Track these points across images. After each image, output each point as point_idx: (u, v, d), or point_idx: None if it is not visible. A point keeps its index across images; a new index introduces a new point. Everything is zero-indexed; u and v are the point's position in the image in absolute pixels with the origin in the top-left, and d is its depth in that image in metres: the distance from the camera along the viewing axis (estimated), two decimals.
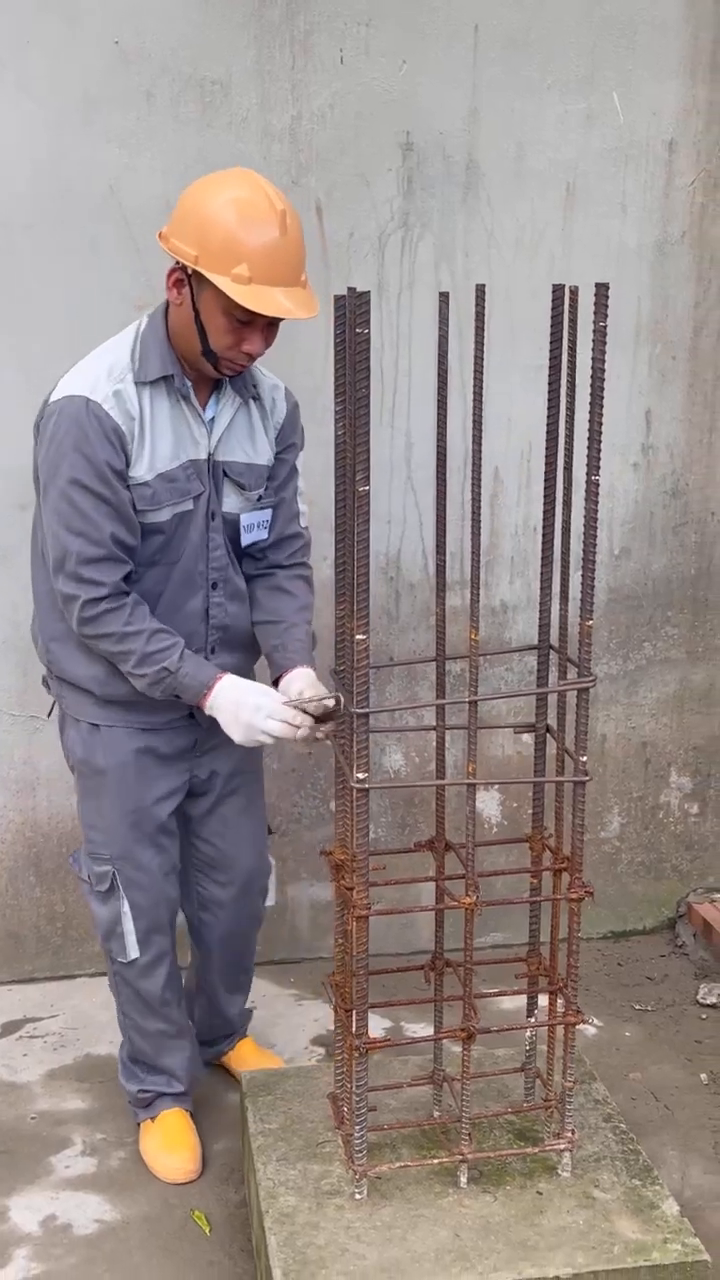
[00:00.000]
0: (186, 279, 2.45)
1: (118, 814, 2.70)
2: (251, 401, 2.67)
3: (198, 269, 2.39)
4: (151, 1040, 2.86)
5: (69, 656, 2.66)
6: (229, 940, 2.98)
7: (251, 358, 2.49)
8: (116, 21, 3.05)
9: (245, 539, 2.69)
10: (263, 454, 2.68)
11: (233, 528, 2.68)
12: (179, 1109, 2.91)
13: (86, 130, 3.09)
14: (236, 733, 2.53)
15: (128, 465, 2.50)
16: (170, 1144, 2.86)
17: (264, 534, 2.73)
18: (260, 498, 2.70)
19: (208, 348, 2.47)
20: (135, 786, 2.70)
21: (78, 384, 2.50)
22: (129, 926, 2.74)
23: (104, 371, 2.50)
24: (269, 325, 2.47)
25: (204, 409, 2.60)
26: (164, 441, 2.54)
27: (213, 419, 2.61)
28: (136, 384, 2.51)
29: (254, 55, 3.12)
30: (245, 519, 2.68)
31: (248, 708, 2.51)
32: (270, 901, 3.04)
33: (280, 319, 2.45)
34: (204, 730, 2.70)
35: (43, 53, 3.04)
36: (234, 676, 2.57)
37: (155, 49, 3.08)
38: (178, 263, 2.45)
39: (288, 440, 2.74)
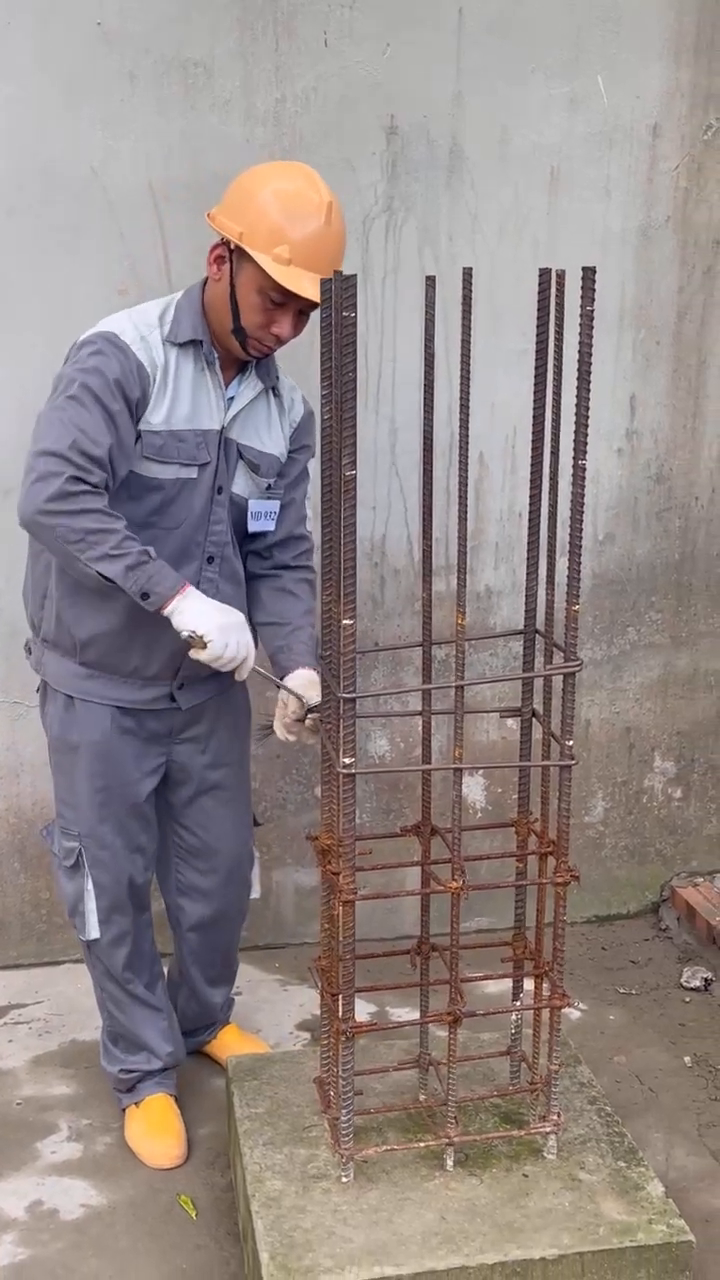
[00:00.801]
0: (229, 255, 2.53)
1: (88, 792, 2.72)
2: (271, 394, 2.71)
3: (241, 245, 2.48)
4: (126, 1011, 2.88)
5: (65, 612, 2.61)
6: (208, 928, 2.98)
7: (279, 340, 2.56)
8: (98, 2, 3.03)
9: (252, 525, 2.71)
10: (275, 445, 2.72)
11: (239, 510, 2.70)
12: (163, 1094, 2.92)
13: (68, 113, 3.07)
14: (211, 621, 2.44)
15: (145, 406, 2.52)
16: (155, 1129, 2.86)
17: (270, 525, 2.74)
18: (270, 486, 2.73)
19: (238, 324, 2.54)
20: (107, 766, 2.71)
21: (110, 323, 2.55)
22: (91, 905, 2.77)
23: (135, 323, 2.56)
24: (299, 313, 2.53)
25: (226, 387, 2.65)
26: (183, 401, 2.58)
27: (232, 397, 2.65)
28: (165, 341, 2.56)
29: (237, 37, 3.11)
30: (254, 505, 2.70)
31: (234, 618, 2.47)
32: (255, 894, 3.05)
33: (309, 311, 2.53)
34: (184, 716, 2.72)
35: (24, 34, 3.02)
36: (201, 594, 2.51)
37: (137, 30, 3.06)
38: (221, 239, 2.53)
39: (301, 441, 2.78)
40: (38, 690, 2.85)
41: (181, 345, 2.57)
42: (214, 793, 2.86)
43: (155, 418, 2.54)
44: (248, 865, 2.99)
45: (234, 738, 2.88)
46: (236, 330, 2.55)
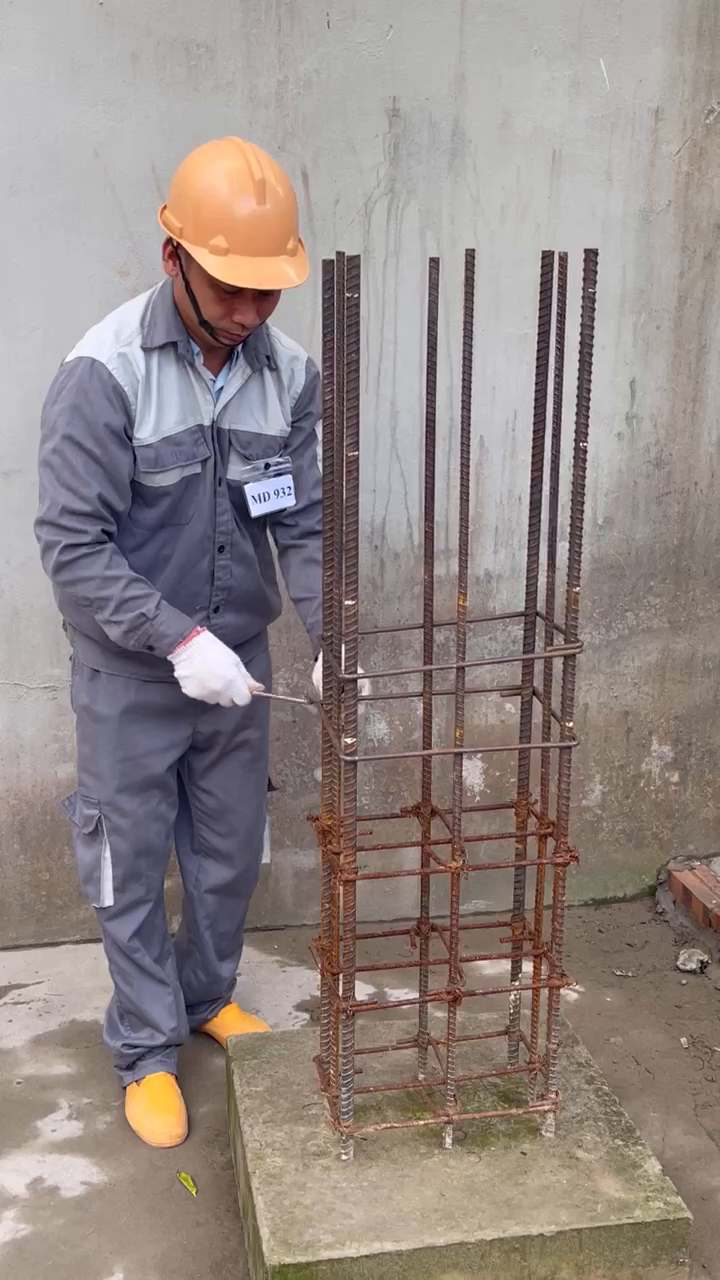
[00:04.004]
0: (177, 251, 2.50)
1: (109, 761, 2.77)
2: (267, 372, 2.69)
3: (181, 241, 2.45)
4: (133, 985, 2.90)
5: (77, 608, 2.69)
6: (226, 890, 3.02)
7: (244, 327, 2.52)
8: None
9: (255, 509, 2.71)
10: (274, 424, 2.71)
11: (238, 494, 2.70)
12: (164, 1072, 2.94)
13: (71, 94, 3.07)
14: (192, 688, 2.59)
15: (132, 425, 2.55)
16: (156, 1108, 2.88)
17: (289, 499, 2.74)
18: (269, 465, 2.72)
19: (201, 318, 2.52)
20: (129, 737, 2.75)
21: (87, 346, 2.57)
22: (107, 872, 2.81)
23: (112, 335, 2.57)
24: (260, 295, 2.49)
25: (216, 377, 2.64)
26: (170, 406, 2.59)
27: (221, 387, 2.64)
28: (144, 349, 2.56)
29: (240, 18, 3.10)
30: (251, 489, 2.70)
31: (216, 679, 2.58)
32: (266, 858, 3.08)
33: (273, 292, 2.49)
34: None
35: (27, 14, 3.01)
36: (210, 636, 2.60)
37: (140, 11, 3.05)
38: (168, 236, 2.50)
39: (305, 409, 2.76)
40: (70, 658, 2.90)
41: (161, 349, 2.57)
42: (237, 754, 2.91)
43: (143, 433, 2.57)
44: (263, 827, 3.04)
45: (260, 700, 2.89)
46: (202, 323, 2.53)
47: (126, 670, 2.72)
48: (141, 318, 2.59)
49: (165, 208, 2.53)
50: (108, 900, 2.83)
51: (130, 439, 2.56)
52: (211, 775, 2.92)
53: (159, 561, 2.66)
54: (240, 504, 2.72)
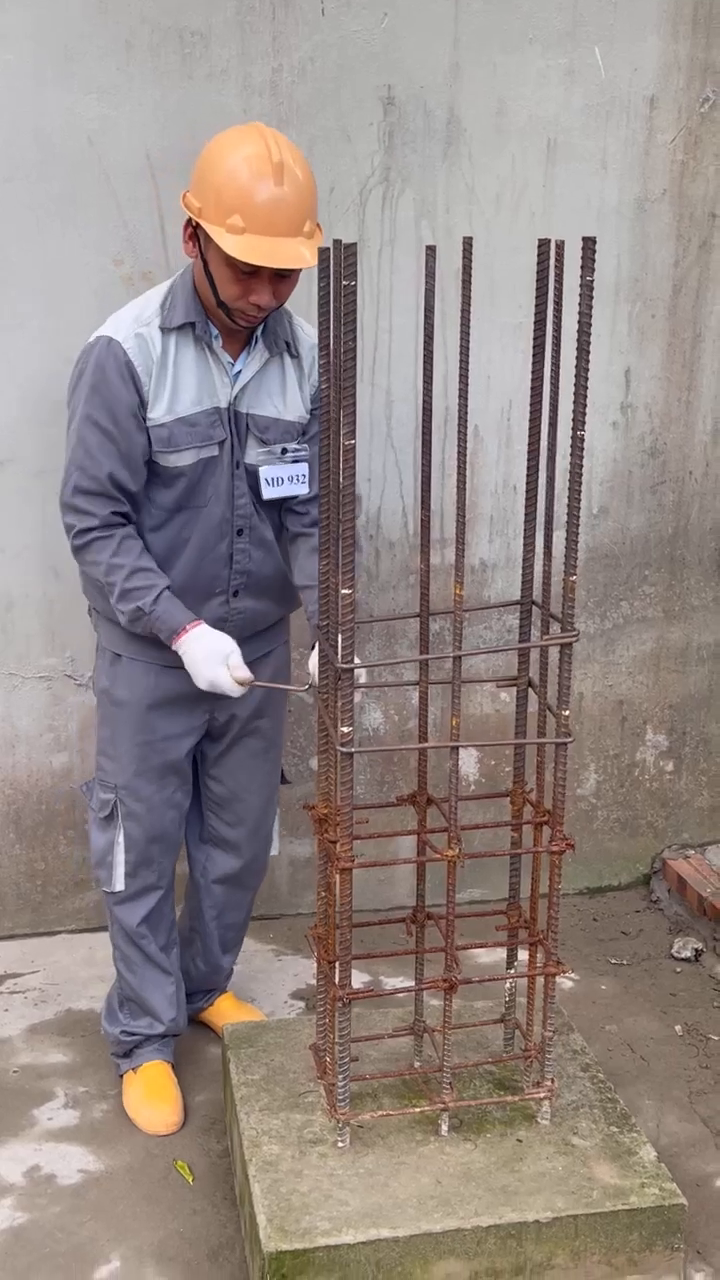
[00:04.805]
0: (196, 232, 2.53)
1: (127, 745, 2.79)
2: (287, 358, 2.70)
3: (199, 220, 2.48)
4: (137, 973, 2.91)
5: (98, 591, 2.74)
6: (232, 883, 3.03)
7: (260, 309, 2.54)
8: None
9: (267, 492, 2.71)
10: (293, 410, 2.71)
11: (255, 478, 2.71)
12: (160, 1060, 2.94)
13: (65, 82, 3.06)
14: (199, 680, 2.61)
15: (145, 406, 2.58)
16: (152, 1096, 2.89)
17: (302, 487, 2.74)
18: (286, 450, 2.72)
19: (219, 299, 2.54)
20: (147, 721, 2.78)
21: (107, 326, 2.61)
22: (119, 857, 2.82)
23: (133, 317, 2.61)
24: (277, 277, 2.51)
25: (235, 360, 2.65)
26: (187, 387, 2.61)
27: (239, 370, 2.65)
28: (162, 329, 2.58)
29: (234, 6, 3.09)
30: (265, 471, 2.70)
31: (201, 679, 2.60)
32: (274, 850, 3.09)
33: (291, 274, 2.51)
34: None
35: (20, 2, 2.99)
36: (205, 628, 2.61)
37: None
38: (188, 217, 2.54)
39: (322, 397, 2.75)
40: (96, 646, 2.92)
41: (179, 329, 2.59)
42: (248, 742, 2.91)
43: (155, 412, 2.59)
44: (271, 819, 3.04)
45: (272, 690, 2.91)
46: (220, 304, 2.55)
47: (147, 655, 2.74)
48: (163, 300, 2.61)
49: (187, 192, 2.56)
50: (119, 885, 2.84)
51: (145, 418, 2.58)
52: (222, 763, 2.93)
53: (178, 544, 2.68)
54: (258, 488, 2.72)
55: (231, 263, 2.47)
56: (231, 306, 2.54)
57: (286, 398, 2.70)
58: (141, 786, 2.81)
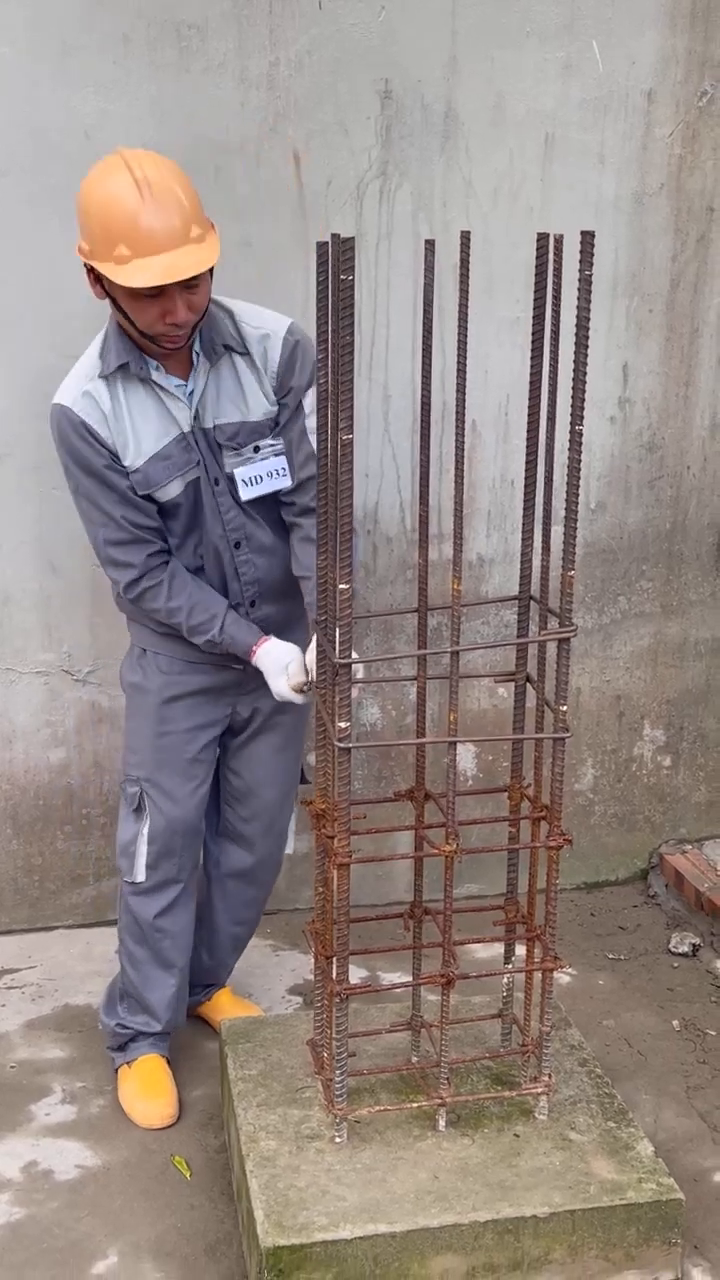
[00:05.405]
0: (99, 275, 2.51)
1: (151, 737, 2.83)
2: (237, 358, 2.68)
3: (91, 264, 2.49)
4: (140, 970, 2.91)
5: (125, 601, 2.79)
6: (245, 879, 3.05)
7: (179, 326, 2.51)
8: None
9: (244, 493, 2.71)
10: (256, 409, 2.69)
11: (236, 486, 2.71)
12: (155, 1054, 2.95)
13: (62, 76, 3.05)
14: (275, 695, 2.71)
15: (116, 456, 2.62)
16: (147, 1090, 2.89)
17: (284, 481, 2.74)
18: (258, 449, 2.71)
19: (139, 330, 2.53)
20: (172, 714, 2.81)
21: (60, 393, 2.65)
22: (142, 848, 2.84)
23: (77, 375, 2.65)
24: (185, 289, 2.48)
25: (186, 380, 2.65)
26: (147, 426, 2.63)
27: (190, 391, 2.64)
28: (104, 378, 2.60)
29: None
30: (240, 473, 2.70)
31: (274, 679, 2.68)
32: (289, 849, 3.10)
33: (198, 279, 2.48)
34: (255, 669, 2.76)
35: None
36: (271, 642, 2.69)
37: None
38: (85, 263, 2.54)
39: (287, 385, 2.72)
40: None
41: (121, 372, 2.60)
42: (266, 737, 2.93)
43: (128, 460, 2.62)
44: (288, 816, 3.05)
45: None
46: (143, 334, 2.54)
47: (172, 650, 2.78)
48: (100, 350, 2.63)
49: (80, 241, 2.54)
50: (140, 875, 2.86)
51: (124, 467, 2.62)
52: (241, 755, 2.95)
53: (195, 566, 2.73)
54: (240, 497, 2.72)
55: (135, 292, 2.45)
56: (153, 333, 2.52)
57: (248, 398, 2.68)
58: (165, 779, 2.83)
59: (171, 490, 2.65)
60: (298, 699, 2.67)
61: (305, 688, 2.64)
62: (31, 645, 3.40)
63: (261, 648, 2.69)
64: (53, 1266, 2.48)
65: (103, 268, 2.45)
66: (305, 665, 2.64)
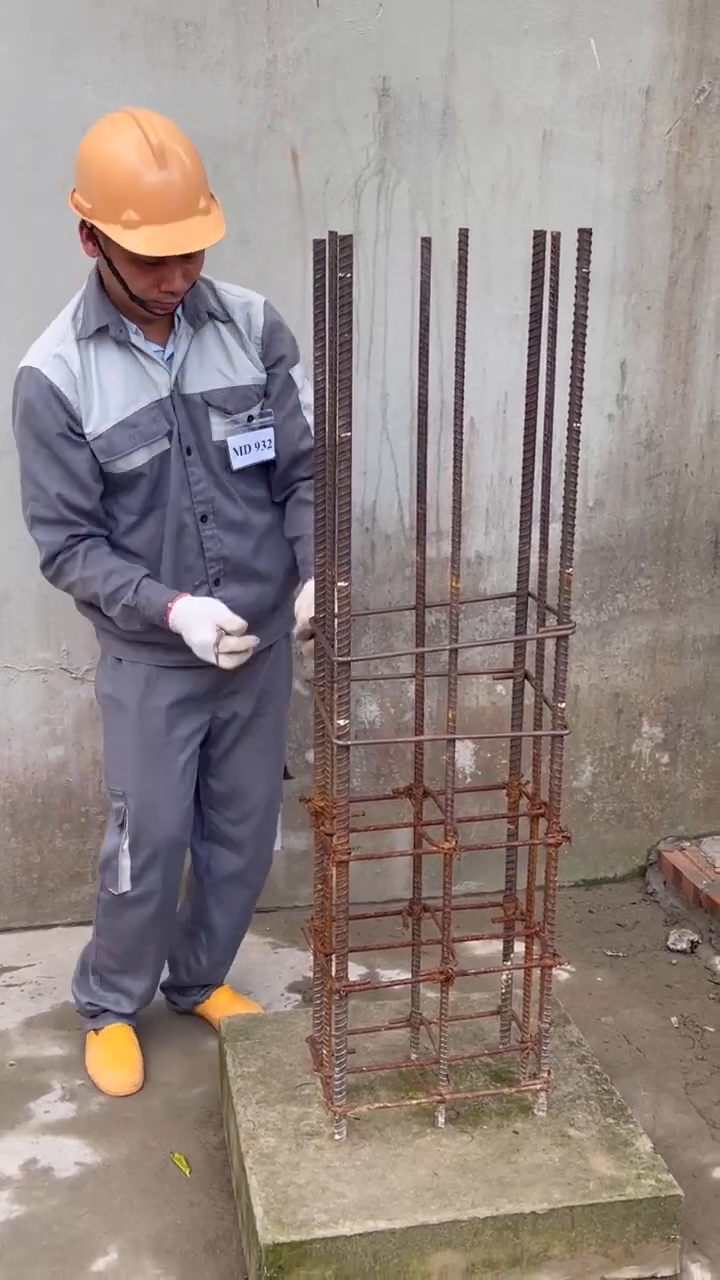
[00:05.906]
0: (93, 231, 2.49)
1: (131, 749, 2.79)
2: (220, 325, 2.67)
3: (92, 222, 2.44)
4: (120, 962, 2.94)
5: (88, 607, 2.77)
6: (236, 881, 3.04)
7: (174, 295, 2.51)
8: None
9: (236, 461, 2.69)
10: (244, 373, 2.68)
11: (222, 454, 2.68)
12: (122, 1024, 3.00)
13: (60, 73, 3.05)
14: (195, 649, 2.58)
15: (78, 423, 2.58)
16: (112, 1059, 2.95)
17: (268, 453, 2.72)
18: (252, 418, 2.69)
19: (131, 294, 2.51)
20: (151, 725, 2.77)
21: (29, 356, 2.62)
22: (125, 862, 2.82)
23: (49, 339, 2.62)
24: (184, 259, 2.48)
25: (164, 346, 2.63)
26: (115, 392, 2.59)
27: (171, 355, 2.62)
28: (78, 341, 2.58)
29: None
30: (234, 440, 2.68)
31: (195, 647, 2.57)
32: (277, 846, 3.09)
33: (196, 254, 2.48)
34: (230, 672, 2.69)
35: None
36: (189, 598, 2.60)
37: None
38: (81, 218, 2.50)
39: (275, 353, 2.71)
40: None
41: (96, 336, 2.57)
42: (248, 740, 2.91)
43: (90, 425, 2.59)
44: (275, 815, 3.04)
45: (277, 687, 2.92)
46: (133, 298, 2.52)
47: (146, 658, 2.74)
48: (74, 313, 2.61)
49: (74, 190, 2.51)
50: (125, 887, 2.83)
51: (82, 435, 2.58)
52: (223, 762, 2.92)
53: (155, 542, 2.68)
54: (219, 468, 2.69)
55: (136, 258, 2.43)
56: (145, 299, 2.51)
57: (234, 363, 2.66)
58: (148, 791, 2.79)
59: (136, 460, 2.61)
60: (226, 663, 2.54)
61: (307, 634, 2.50)
62: (30, 644, 3.40)
63: (179, 602, 2.58)
64: (53, 1264, 2.48)
65: (108, 229, 2.41)
66: (299, 609, 2.57)
